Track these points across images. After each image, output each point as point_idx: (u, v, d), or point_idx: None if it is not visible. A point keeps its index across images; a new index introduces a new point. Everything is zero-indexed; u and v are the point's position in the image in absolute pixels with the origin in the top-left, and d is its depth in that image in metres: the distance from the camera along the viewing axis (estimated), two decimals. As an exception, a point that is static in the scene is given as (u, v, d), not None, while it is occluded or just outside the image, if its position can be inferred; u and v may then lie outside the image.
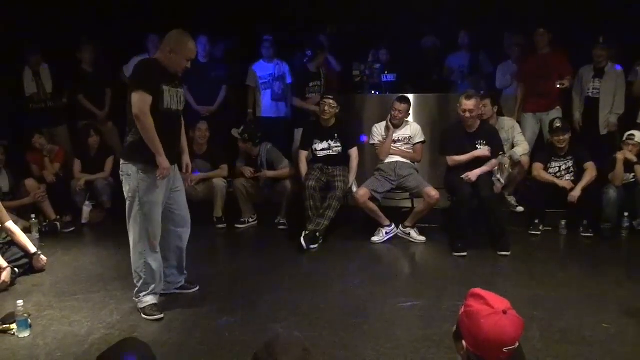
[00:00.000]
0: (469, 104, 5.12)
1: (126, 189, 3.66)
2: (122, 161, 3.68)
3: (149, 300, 3.75)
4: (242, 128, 5.91)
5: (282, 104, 6.75)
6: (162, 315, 3.69)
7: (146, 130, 3.47)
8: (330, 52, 7.01)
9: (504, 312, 1.78)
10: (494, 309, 1.78)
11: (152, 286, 3.76)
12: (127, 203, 3.67)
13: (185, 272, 4.13)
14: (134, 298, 3.79)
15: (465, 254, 4.94)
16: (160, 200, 3.68)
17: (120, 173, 3.69)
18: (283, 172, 5.87)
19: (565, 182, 5.43)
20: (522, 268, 4.67)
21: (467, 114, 5.13)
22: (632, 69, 6.27)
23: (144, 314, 3.71)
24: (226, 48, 7.24)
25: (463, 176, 5.10)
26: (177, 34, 3.60)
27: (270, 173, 5.89)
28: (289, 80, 6.81)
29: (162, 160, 3.53)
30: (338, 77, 7.13)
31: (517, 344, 1.79)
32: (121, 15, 7.25)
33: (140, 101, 3.44)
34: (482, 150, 5.20)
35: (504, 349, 1.76)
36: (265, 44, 6.71)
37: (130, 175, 3.60)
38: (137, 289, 3.77)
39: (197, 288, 4.18)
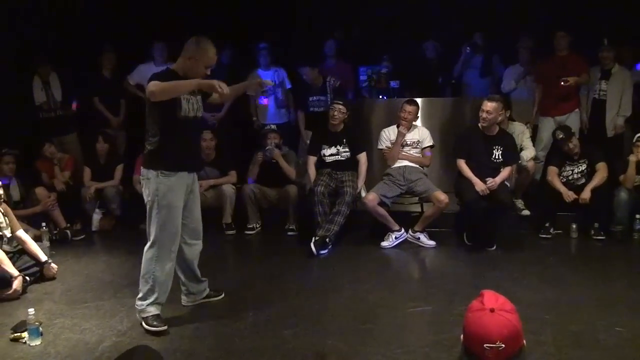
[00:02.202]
0: (489, 105, 5.19)
1: (145, 193, 3.61)
2: (142, 168, 3.64)
3: (152, 310, 3.62)
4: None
5: (284, 110, 6.81)
6: (165, 327, 3.57)
7: (167, 90, 3.35)
8: (338, 57, 7.03)
9: (491, 311, 1.80)
10: (483, 306, 1.82)
11: (156, 295, 3.63)
12: (147, 207, 3.61)
13: (204, 279, 4.05)
14: (136, 305, 3.67)
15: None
16: (179, 204, 3.61)
17: (141, 178, 3.66)
18: (291, 170, 5.90)
19: (570, 195, 5.37)
20: (533, 272, 4.64)
21: (485, 114, 5.19)
22: (633, 70, 6.20)
23: (145, 324, 3.58)
24: (233, 55, 7.27)
25: (488, 184, 5.12)
26: (197, 41, 3.51)
27: (283, 161, 5.89)
28: (288, 85, 6.90)
29: (197, 83, 3.43)
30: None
31: (503, 346, 1.79)
32: (126, 23, 7.29)
33: (152, 84, 3.33)
34: (490, 182, 5.17)
35: (485, 346, 1.78)
36: (262, 52, 6.76)
37: (149, 179, 3.55)
38: (141, 294, 3.64)
39: (223, 295, 4.14)
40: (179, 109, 3.48)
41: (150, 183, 3.56)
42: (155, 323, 3.58)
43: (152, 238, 3.61)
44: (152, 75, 3.50)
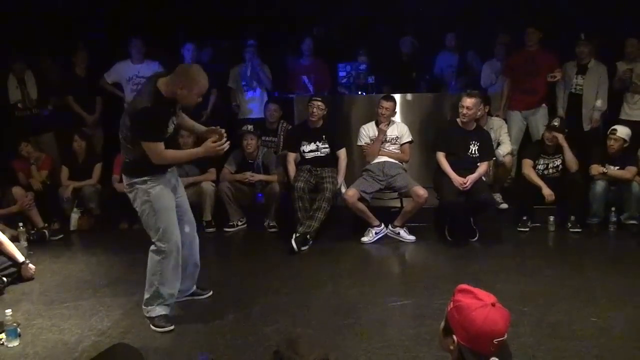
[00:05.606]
0: (468, 101, 5.27)
1: (138, 203, 3.56)
2: (125, 178, 3.60)
3: (160, 310, 3.63)
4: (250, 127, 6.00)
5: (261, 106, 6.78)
6: (172, 327, 3.58)
7: (172, 161, 3.59)
8: (315, 56, 7.06)
9: (493, 305, 1.83)
10: (483, 302, 1.83)
11: (164, 297, 3.64)
12: (143, 216, 3.57)
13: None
14: (143, 306, 3.66)
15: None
16: (172, 205, 3.62)
17: (125, 189, 3.62)
18: (272, 177, 5.88)
19: (548, 192, 5.44)
20: (511, 264, 4.70)
21: (465, 110, 5.27)
22: None
23: (153, 325, 3.59)
24: (214, 51, 7.24)
25: (462, 184, 5.19)
26: (189, 71, 3.46)
27: (259, 176, 5.89)
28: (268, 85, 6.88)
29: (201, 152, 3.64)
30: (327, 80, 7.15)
31: (506, 335, 1.82)
32: (103, 21, 7.22)
33: (154, 152, 3.38)
34: (468, 178, 5.23)
35: (494, 341, 1.80)
36: (249, 49, 6.73)
37: (137, 189, 3.52)
38: (148, 297, 3.63)
39: (211, 293, 4.13)
40: (164, 134, 3.47)
41: (138, 192, 3.53)
42: (162, 323, 3.60)
43: (158, 244, 3.58)
44: (145, 111, 3.33)
